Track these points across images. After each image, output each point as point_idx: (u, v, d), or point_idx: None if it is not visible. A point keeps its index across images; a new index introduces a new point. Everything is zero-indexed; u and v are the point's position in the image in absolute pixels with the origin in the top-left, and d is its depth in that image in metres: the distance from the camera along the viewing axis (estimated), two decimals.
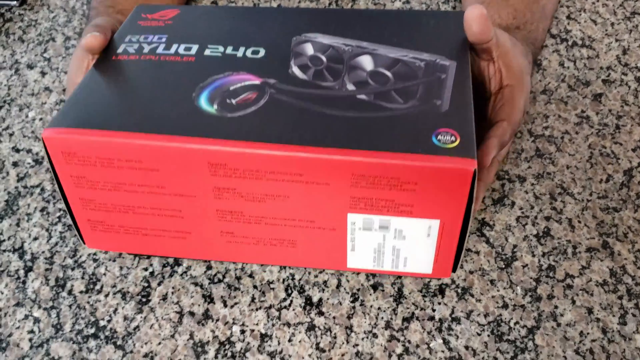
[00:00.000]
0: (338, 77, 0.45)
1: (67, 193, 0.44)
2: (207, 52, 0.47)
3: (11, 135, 0.61)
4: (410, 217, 0.41)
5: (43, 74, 0.66)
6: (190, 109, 0.42)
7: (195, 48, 0.48)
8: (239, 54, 0.47)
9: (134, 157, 0.40)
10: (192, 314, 0.50)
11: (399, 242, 0.43)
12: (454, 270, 0.45)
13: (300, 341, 0.48)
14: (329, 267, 0.47)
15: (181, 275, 0.51)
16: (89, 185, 0.43)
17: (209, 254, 0.47)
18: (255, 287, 0.51)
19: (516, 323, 0.48)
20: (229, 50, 0.47)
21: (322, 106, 0.42)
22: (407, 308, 0.49)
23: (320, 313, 0.49)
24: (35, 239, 0.54)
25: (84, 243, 0.48)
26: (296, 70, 0.45)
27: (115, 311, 0.50)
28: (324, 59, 0.46)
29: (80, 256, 0.53)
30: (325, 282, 0.50)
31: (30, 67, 0.67)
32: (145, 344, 0.48)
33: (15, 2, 0.70)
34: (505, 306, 0.49)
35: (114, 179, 0.42)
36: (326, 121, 0.41)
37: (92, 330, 0.49)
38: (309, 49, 0.47)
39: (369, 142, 0.39)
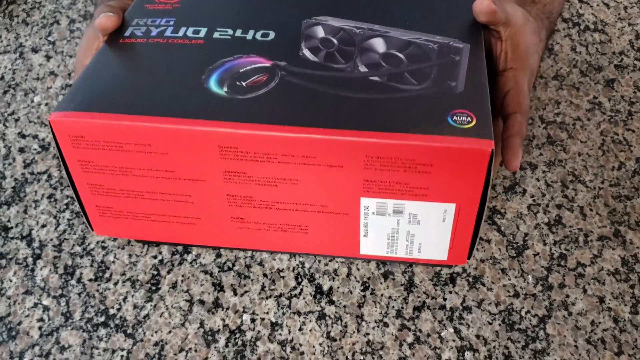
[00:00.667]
0: (350, 60, 0.44)
1: (74, 178, 0.43)
2: (216, 35, 0.46)
3: (17, 120, 0.61)
4: (425, 200, 0.40)
5: (48, 57, 0.65)
6: (199, 91, 0.41)
7: (204, 31, 0.47)
8: (249, 36, 0.46)
9: (143, 141, 0.40)
10: (202, 302, 0.49)
11: (413, 227, 0.43)
12: (469, 257, 0.44)
13: (310, 330, 0.48)
14: (342, 254, 0.46)
15: (191, 263, 0.51)
16: (97, 170, 0.42)
17: (219, 240, 0.47)
18: (265, 275, 0.50)
19: (527, 312, 0.48)
20: (238, 33, 0.46)
21: (334, 88, 0.41)
22: (418, 297, 0.49)
23: (331, 302, 0.49)
24: (43, 226, 0.54)
25: (92, 230, 0.48)
26: (307, 53, 0.44)
27: (125, 299, 0.50)
28: (335, 41, 0.45)
29: (89, 244, 0.53)
30: (335, 270, 0.50)
31: (34, 50, 0.66)
32: (156, 332, 0.48)
33: None
34: (516, 295, 0.48)
35: (122, 164, 0.41)
36: (338, 103, 0.40)
37: (102, 319, 0.49)
38: (320, 32, 0.46)
39: (383, 124, 0.38)
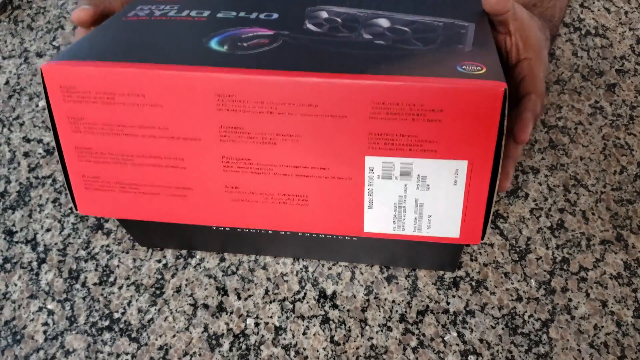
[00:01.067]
0: (355, 31, 0.43)
1: (62, 142, 0.41)
2: (219, 15, 0.46)
3: (21, 125, 0.61)
4: (435, 158, 0.37)
5: None
6: (199, 49, 0.39)
7: (207, 12, 0.46)
8: (252, 16, 0.45)
9: (137, 90, 0.38)
10: (206, 306, 0.50)
11: (422, 194, 0.39)
12: (482, 236, 0.40)
13: (314, 334, 0.48)
14: (344, 232, 0.42)
15: (194, 267, 0.51)
16: (86, 129, 0.40)
17: (212, 217, 0.43)
18: (269, 279, 0.51)
19: (530, 316, 0.48)
20: (242, 14, 0.46)
21: (338, 48, 0.39)
22: (422, 301, 0.49)
23: (335, 306, 0.49)
24: (48, 230, 0.54)
25: (76, 209, 0.44)
26: (311, 26, 0.43)
27: (129, 303, 0.50)
28: (339, 19, 0.45)
29: (94, 248, 0.53)
30: (339, 274, 0.50)
31: (39, 55, 0.66)
32: (160, 336, 0.48)
33: None
34: (519, 299, 0.49)
35: (114, 120, 0.39)
36: (343, 56, 0.38)
37: (107, 323, 0.49)
38: (324, 14, 0.46)
39: (389, 71, 0.36)
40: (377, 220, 0.40)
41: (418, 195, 0.39)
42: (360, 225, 0.41)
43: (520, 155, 0.49)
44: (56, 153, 0.47)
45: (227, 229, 0.47)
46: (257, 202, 0.41)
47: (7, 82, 0.64)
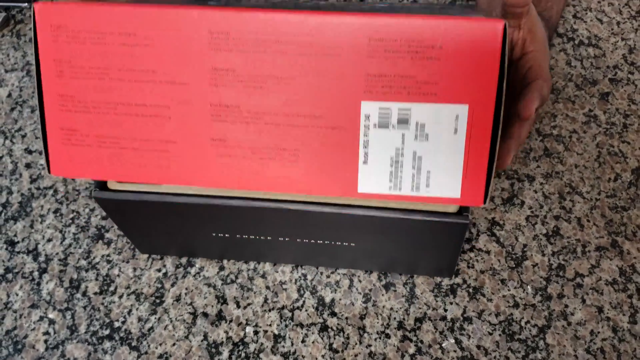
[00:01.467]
0: None
1: (45, 90, 0.40)
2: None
3: (24, 136, 0.62)
4: (435, 102, 0.35)
5: None
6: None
7: None
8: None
9: (129, 29, 0.37)
10: (205, 314, 0.50)
11: (420, 146, 0.36)
12: (485, 200, 0.37)
13: (313, 342, 0.48)
14: (336, 193, 0.39)
15: (194, 276, 0.52)
16: (71, 74, 0.39)
17: (195, 176, 0.40)
18: (267, 287, 0.51)
19: (527, 322, 0.48)
20: None
21: (338, 7, 0.39)
22: (419, 308, 0.49)
23: (333, 314, 0.49)
24: (49, 240, 0.55)
25: (49, 170, 0.41)
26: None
27: (129, 312, 0.51)
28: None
29: (94, 257, 0.54)
30: (337, 282, 0.51)
31: None
32: (160, 344, 0.49)
33: (26, 4, 0.71)
34: (516, 305, 0.49)
35: (101, 63, 0.38)
36: (342, 6, 0.38)
37: (107, 332, 0.50)
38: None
39: (389, 13, 0.35)
40: (373, 178, 0.38)
41: (416, 147, 0.36)
42: (354, 184, 0.38)
43: (525, 139, 0.47)
44: (36, 90, 0.45)
45: (226, 235, 0.47)
46: (244, 158, 0.39)
47: (9, 95, 0.65)
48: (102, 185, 0.44)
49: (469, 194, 0.37)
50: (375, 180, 0.38)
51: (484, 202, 0.37)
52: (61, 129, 0.40)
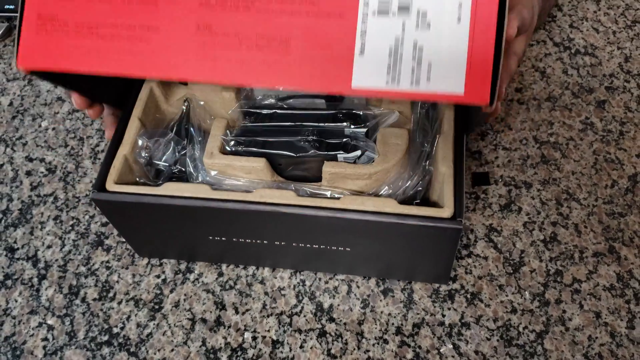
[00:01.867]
0: None
1: None
2: None
3: (24, 144, 0.62)
4: None
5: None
6: None
7: None
8: None
9: None
10: (204, 320, 0.50)
11: (421, 36, 0.33)
12: (491, 99, 0.33)
13: (311, 347, 0.48)
14: (329, 88, 0.35)
15: (193, 282, 0.52)
16: None
17: (177, 67, 0.36)
18: (266, 293, 0.51)
19: (525, 328, 0.48)
20: None
21: None
22: (417, 314, 0.49)
23: (331, 319, 0.50)
24: (49, 247, 0.55)
25: (17, 63, 0.38)
26: None
27: (128, 318, 0.51)
28: None
29: (94, 264, 0.54)
30: (335, 288, 0.51)
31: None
32: (158, 350, 0.49)
33: None
34: (514, 311, 0.49)
35: None
36: None
37: (106, 338, 0.50)
38: None
39: None
40: (368, 72, 0.34)
41: (417, 37, 0.34)
42: (347, 77, 0.34)
43: (513, 71, 0.45)
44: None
45: (223, 238, 0.48)
46: (231, 49, 0.35)
47: (11, 104, 0.66)
48: (100, 187, 0.44)
49: (474, 90, 0.33)
50: (372, 73, 0.34)
51: (491, 103, 0.33)
52: (39, 15, 0.37)
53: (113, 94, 0.50)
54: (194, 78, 0.37)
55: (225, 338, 0.49)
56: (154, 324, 0.50)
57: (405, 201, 0.44)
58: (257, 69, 0.35)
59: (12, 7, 0.68)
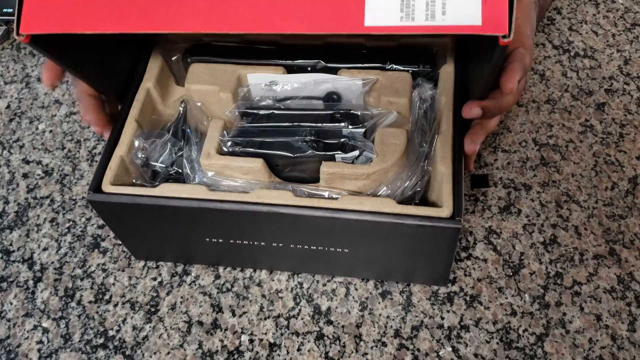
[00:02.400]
0: None
1: None
2: None
3: (21, 147, 0.62)
4: None
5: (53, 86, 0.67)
6: None
7: None
8: None
9: None
10: (200, 323, 0.50)
11: None
12: (509, 31, 0.32)
13: (309, 350, 0.48)
14: (341, 28, 0.33)
15: (190, 284, 0.52)
16: None
17: (184, 19, 0.35)
18: (263, 296, 0.51)
19: (525, 330, 0.48)
20: None
21: None
22: (416, 316, 0.49)
23: (329, 322, 0.49)
24: (45, 249, 0.55)
25: (20, 30, 0.36)
26: None
27: (124, 321, 0.50)
28: None
29: (90, 266, 0.53)
30: (333, 290, 0.51)
31: (40, 80, 0.67)
32: (154, 353, 0.48)
33: None
34: (513, 313, 0.49)
35: None
36: None
37: (101, 340, 0.49)
38: None
39: None
40: (381, 8, 0.33)
41: None
42: (360, 16, 0.33)
43: (530, 64, 0.45)
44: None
45: (220, 240, 0.47)
46: None
47: (8, 106, 0.65)
48: (96, 188, 0.44)
49: (491, 20, 0.32)
50: (385, 10, 0.33)
51: (509, 34, 0.31)
52: None
53: (113, 84, 0.49)
54: (203, 28, 0.34)
55: (222, 341, 0.49)
56: (150, 327, 0.50)
57: (404, 201, 0.44)
58: (268, 13, 0.34)
59: (9, 10, 0.68)
